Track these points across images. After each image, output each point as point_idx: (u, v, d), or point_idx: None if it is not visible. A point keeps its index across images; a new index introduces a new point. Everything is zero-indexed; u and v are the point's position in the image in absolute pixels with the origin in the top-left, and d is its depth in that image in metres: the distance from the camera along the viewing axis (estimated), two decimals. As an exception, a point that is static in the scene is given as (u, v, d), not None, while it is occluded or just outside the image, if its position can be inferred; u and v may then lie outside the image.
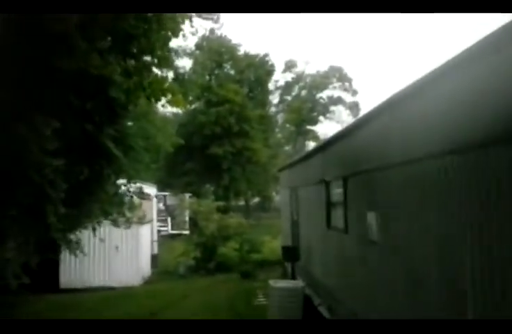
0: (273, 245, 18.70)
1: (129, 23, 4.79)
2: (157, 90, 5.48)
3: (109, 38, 5.18)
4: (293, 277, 11.75)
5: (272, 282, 9.57)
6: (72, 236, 7.69)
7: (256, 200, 41.16)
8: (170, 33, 5.17)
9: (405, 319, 4.45)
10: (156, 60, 5.38)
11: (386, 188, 5.43)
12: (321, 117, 45.29)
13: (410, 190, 4.64)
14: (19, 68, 5.17)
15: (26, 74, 5.38)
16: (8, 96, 4.64)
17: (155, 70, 5.51)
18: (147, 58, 5.50)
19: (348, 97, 45.02)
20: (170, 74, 6.18)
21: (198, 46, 31.34)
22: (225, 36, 34.26)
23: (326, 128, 57.33)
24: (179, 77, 6.40)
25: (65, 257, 13.47)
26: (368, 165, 5.98)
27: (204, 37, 31.18)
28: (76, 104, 5.81)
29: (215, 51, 32.94)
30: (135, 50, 5.25)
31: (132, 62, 5.12)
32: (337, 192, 7.82)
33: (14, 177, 5.54)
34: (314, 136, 44.56)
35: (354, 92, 45.07)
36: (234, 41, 35.46)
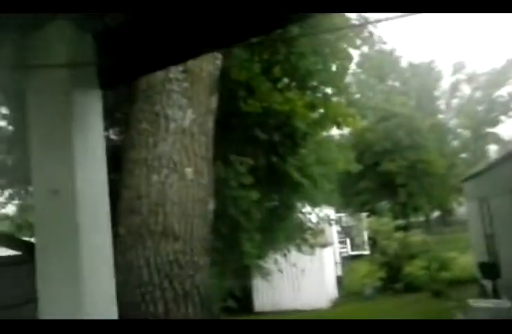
0: (462, 262, 17.40)
1: (308, 60, 5.20)
2: (337, 118, 5.76)
3: (289, 76, 5.66)
4: (496, 297, 10.75)
5: (472, 302, 8.89)
6: (263, 262, 8.21)
7: (436, 214, 38.74)
8: (345, 63, 5.44)
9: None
10: (336, 91, 5.69)
11: None
12: (503, 117, 40.89)
13: None
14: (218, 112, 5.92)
15: (219, 119, 6.13)
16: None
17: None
18: (327, 90, 5.84)
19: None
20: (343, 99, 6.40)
21: (359, 64, 31.37)
22: (386, 50, 33.68)
23: (510, 128, 51.50)
24: (351, 101, 6.59)
25: (257, 282, 14.28)
26: None
27: (363, 54, 31.10)
28: (262, 138, 6.36)
29: (377, 67, 32.61)
30: (315, 83, 5.63)
31: (313, 94, 5.49)
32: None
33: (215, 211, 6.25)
34: (496, 139, 40.40)
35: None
36: (396, 53, 34.73)
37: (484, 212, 11.96)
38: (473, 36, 63.68)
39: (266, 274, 8.28)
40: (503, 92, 40.37)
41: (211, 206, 3.08)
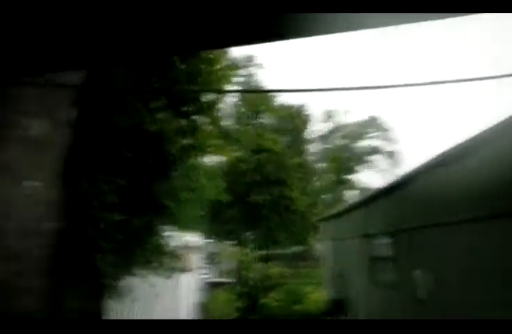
0: (316, 297, 18.25)
1: (181, 87, 5.19)
2: (205, 147, 5.79)
3: (163, 98, 5.59)
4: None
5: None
6: (116, 284, 7.77)
7: (295, 248, 40.50)
8: (218, 95, 5.55)
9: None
10: (208, 120, 5.74)
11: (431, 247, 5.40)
12: (361, 166, 45.10)
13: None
14: (82, 126, 5.58)
15: (88, 130, 5.80)
16: (73, 154, 5.00)
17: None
18: (199, 118, 5.87)
19: (387, 146, 44.89)
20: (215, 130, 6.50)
21: (241, 97, 32.37)
22: (261, 86, 35.27)
23: (366, 177, 56.83)
24: (224, 132, 6.73)
25: (109, 305, 13.46)
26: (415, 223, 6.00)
27: (242, 86, 32.17)
28: (130, 158, 6.16)
29: (252, 102, 33.90)
30: (188, 110, 5.62)
31: (184, 121, 5.48)
32: (381, 247, 7.76)
33: (71, 230, 5.82)
34: (353, 186, 44.26)
35: (393, 142, 44.95)
36: (269, 91, 36.42)
37: (336, 252, 12.78)
38: (343, 87, 69.14)
39: (118, 296, 7.82)
40: (363, 143, 44.82)
41: (55, 225, 2.81)
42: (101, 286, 6.82)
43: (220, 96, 6.09)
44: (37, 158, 2.74)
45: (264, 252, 24.89)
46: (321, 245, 21.44)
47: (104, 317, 13.56)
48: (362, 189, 39.30)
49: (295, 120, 37.89)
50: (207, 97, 5.76)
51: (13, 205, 2.64)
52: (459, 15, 1.84)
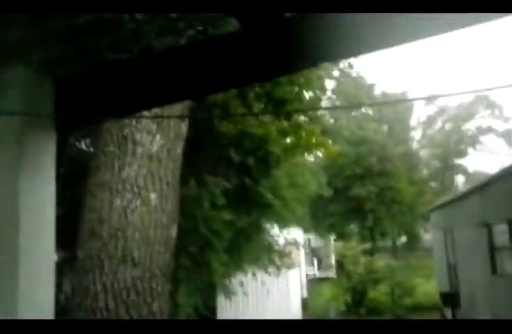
0: (426, 289, 17.57)
1: (283, 88, 5.27)
2: (310, 146, 5.85)
3: (264, 102, 5.73)
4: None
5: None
6: (229, 282, 8.14)
7: (403, 239, 39.20)
8: (318, 93, 5.56)
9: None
10: (308, 119, 5.78)
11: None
12: (470, 149, 42.14)
13: None
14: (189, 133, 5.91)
15: (194, 137, 6.13)
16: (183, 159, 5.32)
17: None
18: (301, 118, 5.93)
19: (500, 125, 41.46)
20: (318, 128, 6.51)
21: (334, 90, 31.91)
22: (361, 77, 34.44)
23: (477, 160, 52.96)
24: (326, 130, 6.70)
25: (222, 301, 14.10)
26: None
27: (339, 82, 31.71)
28: (236, 160, 6.39)
29: (351, 94, 33.24)
30: (289, 111, 5.71)
31: (287, 121, 5.58)
32: (501, 236, 7.27)
33: (185, 230, 6.20)
34: (463, 170, 41.57)
35: (506, 119, 41.42)
36: (369, 81, 35.49)
37: (448, 242, 12.19)
38: (444, 70, 65.87)
39: (230, 293, 8.19)
40: (470, 125, 41.76)
41: (173, 232, 3.04)
42: (215, 284, 7.18)
43: (320, 93, 6.07)
44: (155, 172, 2.98)
45: (370, 245, 24.41)
46: (431, 236, 20.56)
47: (219, 314, 14.24)
48: (474, 174, 36.84)
49: (397, 108, 36.49)
50: (307, 96, 5.79)
51: (133, 215, 2.89)
52: None
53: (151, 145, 2.97)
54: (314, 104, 5.69)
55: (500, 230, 7.37)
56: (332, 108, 26.94)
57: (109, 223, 2.79)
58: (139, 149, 2.96)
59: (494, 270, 7.78)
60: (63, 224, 3.05)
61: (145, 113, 3.02)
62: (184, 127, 3.24)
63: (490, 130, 41.78)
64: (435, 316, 14.11)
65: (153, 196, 2.89)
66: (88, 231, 2.83)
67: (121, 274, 2.69)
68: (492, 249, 7.85)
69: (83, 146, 6.82)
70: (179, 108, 3.24)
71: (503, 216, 7.10)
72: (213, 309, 14.66)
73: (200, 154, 6.48)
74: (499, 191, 7.47)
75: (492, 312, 8.28)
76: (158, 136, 3.01)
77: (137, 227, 2.81)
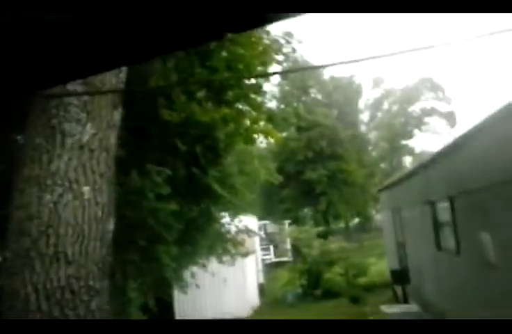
0: (379, 268, 18.17)
1: (222, 75, 5.17)
2: (252, 133, 5.80)
3: (205, 89, 5.61)
4: (406, 302, 11.31)
5: (384, 308, 9.27)
6: (182, 274, 8.05)
7: (356, 221, 40.29)
8: (260, 80, 5.49)
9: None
10: (249, 107, 5.72)
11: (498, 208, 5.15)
12: (416, 131, 43.58)
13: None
14: (130, 122, 5.70)
15: (135, 126, 5.94)
16: (123, 151, 5.14)
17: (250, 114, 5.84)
18: (242, 105, 5.86)
19: (442, 107, 43.01)
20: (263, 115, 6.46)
21: (283, 76, 31.98)
22: (308, 62, 34.66)
23: (422, 141, 54.85)
24: (271, 117, 6.66)
25: (178, 294, 14.02)
26: (477, 183, 5.73)
27: (287, 66, 31.73)
28: (183, 149, 6.25)
29: (299, 79, 33.43)
30: (229, 98, 5.62)
31: (227, 109, 5.49)
32: (444, 212, 7.54)
33: (132, 223, 6.04)
34: (411, 151, 42.99)
35: (448, 101, 42.98)
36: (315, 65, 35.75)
37: (396, 221, 12.56)
38: (390, 53, 67.23)
39: (184, 286, 8.11)
40: (416, 107, 43.14)
41: (110, 226, 2.91)
42: (169, 278, 7.07)
43: (264, 79, 6.00)
44: (87, 164, 2.83)
45: (323, 228, 24.91)
46: (381, 216, 21.20)
47: (176, 308, 14.02)
48: (420, 154, 38.16)
49: (345, 92, 37.11)
50: (249, 83, 5.71)
51: (65, 211, 2.75)
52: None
53: (81, 135, 2.82)
54: (255, 91, 5.63)
55: (443, 207, 7.61)
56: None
57: (39, 220, 2.64)
58: (68, 140, 2.79)
59: (438, 246, 8.06)
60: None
61: (74, 101, 2.87)
62: (117, 116, 3.09)
63: (434, 111, 43.30)
64: (388, 294, 14.64)
65: (86, 189, 2.75)
66: (17, 230, 2.67)
67: (54, 273, 2.56)
68: (436, 226, 8.12)
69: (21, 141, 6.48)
70: (110, 97, 3.10)
71: (444, 193, 7.32)
72: (169, 304, 14.59)
73: (145, 143, 6.30)
74: (440, 169, 7.69)
75: (437, 286, 8.63)
76: (88, 126, 2.85)
77: (70, 222, 2.67)
